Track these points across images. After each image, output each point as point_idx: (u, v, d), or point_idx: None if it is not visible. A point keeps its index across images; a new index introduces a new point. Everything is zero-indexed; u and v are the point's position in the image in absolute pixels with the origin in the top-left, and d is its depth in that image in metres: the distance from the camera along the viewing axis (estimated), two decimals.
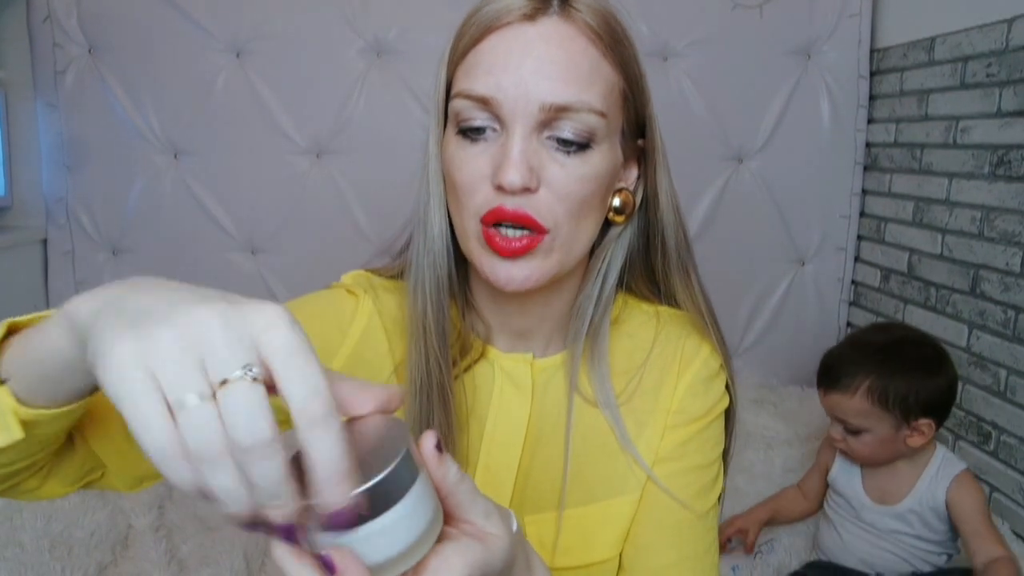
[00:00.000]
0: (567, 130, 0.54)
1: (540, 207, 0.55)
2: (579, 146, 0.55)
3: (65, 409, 0.42)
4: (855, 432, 1.22)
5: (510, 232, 0.55)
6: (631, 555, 0.64)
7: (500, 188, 0.54)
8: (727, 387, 0.68)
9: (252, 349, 0.32)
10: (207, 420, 0.30)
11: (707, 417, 0.66)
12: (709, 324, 0.65)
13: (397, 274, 0.70)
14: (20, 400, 0.41)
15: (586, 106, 0.54)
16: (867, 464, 1.27)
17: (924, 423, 1.18)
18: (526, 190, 0.54)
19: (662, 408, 0.65)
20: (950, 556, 1.27)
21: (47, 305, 2.02)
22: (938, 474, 1.22)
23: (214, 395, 0.31)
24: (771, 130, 2.04)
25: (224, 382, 0.31)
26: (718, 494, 0.67)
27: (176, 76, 1.95)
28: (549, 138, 0.55)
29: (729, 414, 0.68)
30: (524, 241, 0.55)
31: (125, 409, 0.31)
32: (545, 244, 0.56)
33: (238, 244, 2.05)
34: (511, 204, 0.54)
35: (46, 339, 0.39)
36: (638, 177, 0.64)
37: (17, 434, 0.41)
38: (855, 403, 1.19)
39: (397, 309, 0.67)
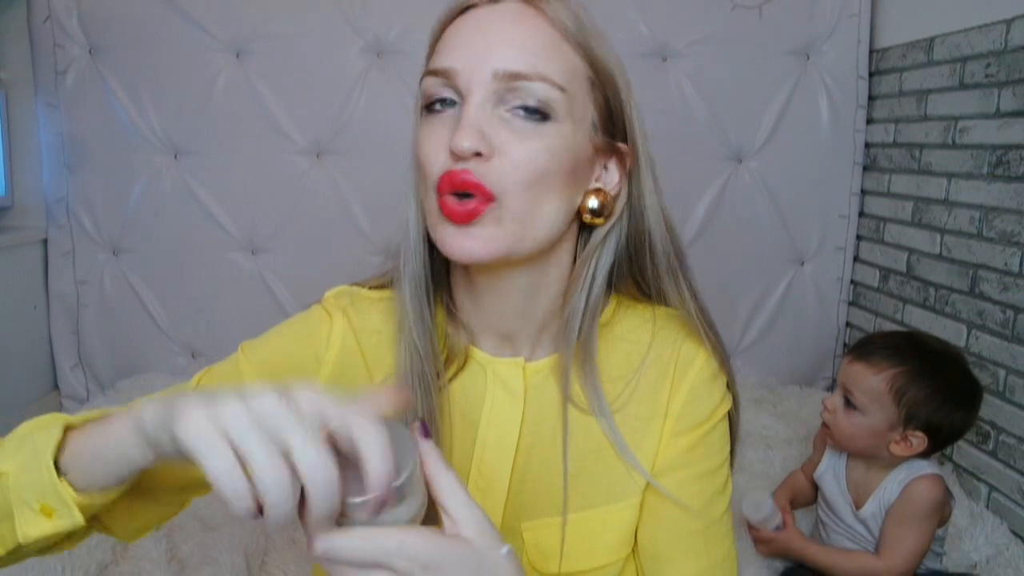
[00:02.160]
0: (522, 98, 0.55)
1: (491, 173, 0.55)
2: (535, 116, 0.56)
3: (115, 492, 0.50)
4: (853, 409, 1.21)
5: (462, 199, 0.56)
6: (651, 568, 0.64)
7: (453, 154, 0.55)
8: (728, 387, 0.67)
9: (311, 417, 0.41)
10: (279, 471, 0.39)
11: (711, 421, 0.65)
12: (702, 326, 0.64)
13: (387, 282, 0.69)
14: (77, 488, 0.48)
15: (539, 75, 0.55)
16: (840, 446, 1.26)
17: (917, 437, 1.17)
18: (477, 155, 0.54)
19: (660, 413, 0.64)
20: (940, 556, 1.27)
21: (47, 305, 2.02)
22: (898, 475, 1.21)
23: (281, 452, 0.39)
24: (770, 130, 2.05)
25: (288, 438, 0.39)
26: (729, 497, 0.66)
27: (176, 76, 1.96)
28: (507, 110, 0.56)
29: (731, 415, 0.68)
30: (471, 205, 0.55)
31: (202, 458, 0.39)
32: (494, 212, 0.56)
33: (238, 244, 2.05)
34: (460, 166, 0.55)
35: (113, 440, 0.47)
36: (622, 180, 0.63)
37: (80, 521, 0.49)
38: (874, 381, 1.19)
39: (382, 322, 0.66)
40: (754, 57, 2.01)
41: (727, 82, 2.02)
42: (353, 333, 0.66)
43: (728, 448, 0.67)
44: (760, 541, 1.34)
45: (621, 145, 0.62)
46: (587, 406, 0.63)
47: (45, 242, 2.02)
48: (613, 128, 0.61)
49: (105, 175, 1.99)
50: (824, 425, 1.28)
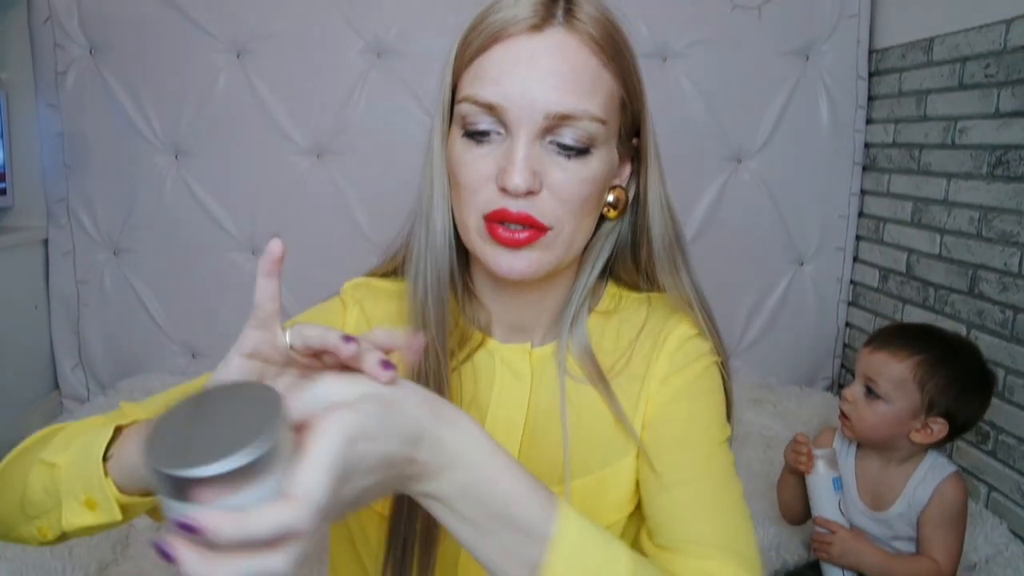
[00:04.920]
0: (568, 136, 0.58)
1: (543, 208, 0.58)
2: (579, 151, 0.58)
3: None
4: (875, 398, 1.22)
5: (513, 226, 0.58)
6: (661, 504, 0.63)
7: (504, 190, 0.57)
8: (716, 351, 0.69)
9: None
10: None
11: (698, 363, 0.67)
12: (699, 310, 0.67)
13: (393, 269, 0.72)
14: (121, 487, 0.50)
15: (587, 114, 0.57)
16: (860, 436, 1.26)
17: (939, 424, 1.19)
18: (529, 192, 0.57)
19: (650, 375, 0.67)
20: None
21: (48, 305, 2.02)
22: (927, 477, 1.22)
23: None
24: (770, 130, 2.05)
25: None
26: (731, 433, 0.68)
27: (176, 76, 1.96)
28: (551, 142, 0.58)
29: (723, 369, 0.69)
30: (527, 234, 0.58)
31: None
32: (547, 239, 0.59)
33: (238, 244, 2.05)
34: (515, 206, 0.58)
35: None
36: (631, 174, 0.67)
37: (118, 517, 0.51)
38: (899, 368, 1.20)
39: (396, 314, 0.69)
40: (754, 57, 2.01)
41: (727, 82, 2.02)
42: (367, 324, 0.69)
43: (723, 394, 0.68)
44: (823, 543, 1.24)
45: (635, 141, 0.65)
46: (581, 375, 0.67)
47: (45, 242, 2.02)
48: (633, 131, 0.64)
49: (105, 175, 1.99)
50: (842, 416, 1.27)
